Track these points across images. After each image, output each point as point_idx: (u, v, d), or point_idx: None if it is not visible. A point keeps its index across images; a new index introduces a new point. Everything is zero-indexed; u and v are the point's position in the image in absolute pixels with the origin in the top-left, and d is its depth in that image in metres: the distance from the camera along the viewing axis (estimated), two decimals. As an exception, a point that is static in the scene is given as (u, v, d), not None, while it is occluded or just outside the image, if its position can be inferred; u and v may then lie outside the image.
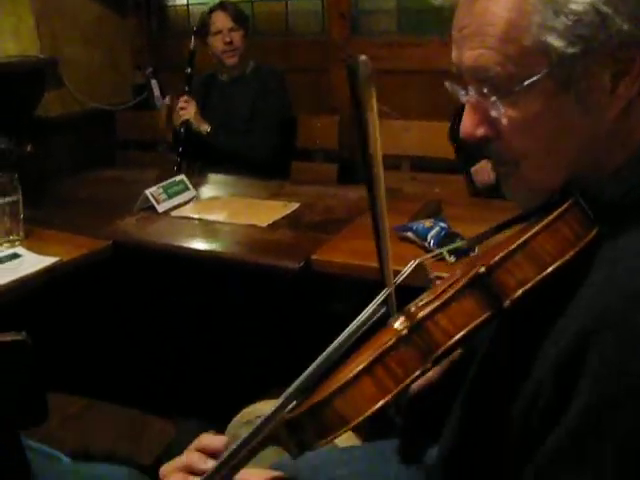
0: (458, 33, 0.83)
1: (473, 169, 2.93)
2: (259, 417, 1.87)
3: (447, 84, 0.90)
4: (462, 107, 0.88)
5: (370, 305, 0.92)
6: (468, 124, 0.87)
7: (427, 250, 1.93)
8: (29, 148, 2.40)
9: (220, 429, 1.82)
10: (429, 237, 1.96)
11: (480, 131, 0.86)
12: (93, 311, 2.36)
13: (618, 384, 0.69)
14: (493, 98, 0.81)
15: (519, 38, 0.77)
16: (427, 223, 2.01)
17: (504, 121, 0.82)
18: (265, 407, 1.91)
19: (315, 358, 0.90)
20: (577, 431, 0.72)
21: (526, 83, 0.78)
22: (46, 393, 1.46)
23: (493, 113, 0.82)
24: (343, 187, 2.94)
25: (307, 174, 3.63)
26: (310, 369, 0.87)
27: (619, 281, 0.72)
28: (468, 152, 2.94)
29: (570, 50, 0.75)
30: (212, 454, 0.93)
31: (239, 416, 1.95)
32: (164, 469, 0.94)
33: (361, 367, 0.77)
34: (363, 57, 0.70)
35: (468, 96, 0.86)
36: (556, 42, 0.75)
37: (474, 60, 0.81)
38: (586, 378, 0.70)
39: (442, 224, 2.00)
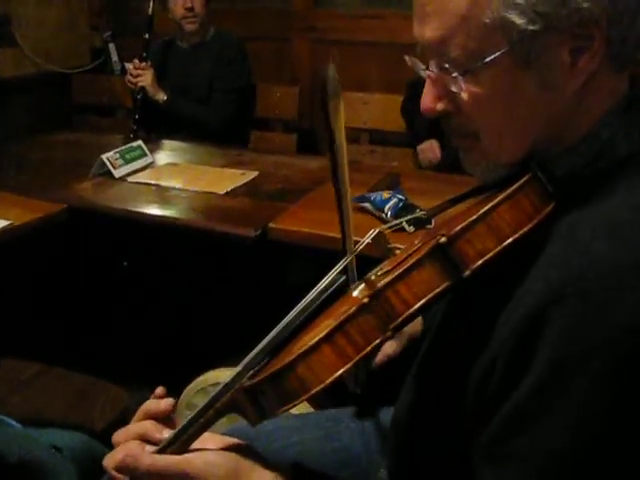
0: (420, 8, 0.82)
1: (419, 148, 2.95)
2: (213, 385, 1.88)
3: (407, 58, 0.90)
4: (415, 82, 0.88)
5: (330, 272, 0.92)
6: (428, 99, 0.87)
7: (384, 221, 1.94)
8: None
9: (174, 397, 1.81)
10: (386, 208, 1.97)
11: (440, 106, 0.86)
12: (46, 276, 2.33)
13: (573, 351, 0.70)
14: (454, 74, 0.81)
15: (480, 15, 0.77)
16: (385, 194, 2.02)
17: (464, 96, 0.82)
18: (219, 375, 1.91)
19: (271, 326, 0.90)
20: (531, 400, 0.73)
21: (487, 60, 0.78)
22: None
23: (453, 88, 0.82)
24: (302, 157, 2.94)
25: (266, 143, 3.62)
26: (270, 336, 0.88)
27: (574, 253, 0.74)
28: (415, 131, 2.97)
29: (531, 27, 0.75)
30: (163, 420, 0.93)
31: (193, 384, 1.96)
32: (117, 436, 0.93)
33: (322, 335, 0.77)
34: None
35: (428, 71, 0.86)
36: (517, 19, 0.75)
37: (436, 39, 0.81)
38: (543, 350, 0.71)
39: (400, 196, 2.01)
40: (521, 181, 0.79)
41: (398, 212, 1.94)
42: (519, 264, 0.78)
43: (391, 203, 1.97)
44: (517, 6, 0.75)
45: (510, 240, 0.77)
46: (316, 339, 0.77)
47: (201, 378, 1.96)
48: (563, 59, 0.78)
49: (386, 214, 1.95)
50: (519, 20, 0.75)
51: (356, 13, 3.70)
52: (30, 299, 2.28)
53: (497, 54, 0.78)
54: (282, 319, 0.90)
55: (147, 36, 3.25)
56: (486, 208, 0.78)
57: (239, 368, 0.86)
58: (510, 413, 0.75)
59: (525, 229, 0.77)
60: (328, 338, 0.77)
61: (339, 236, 1.87)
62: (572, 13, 0.74)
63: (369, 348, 0.78)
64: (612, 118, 0.82)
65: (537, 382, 0.72)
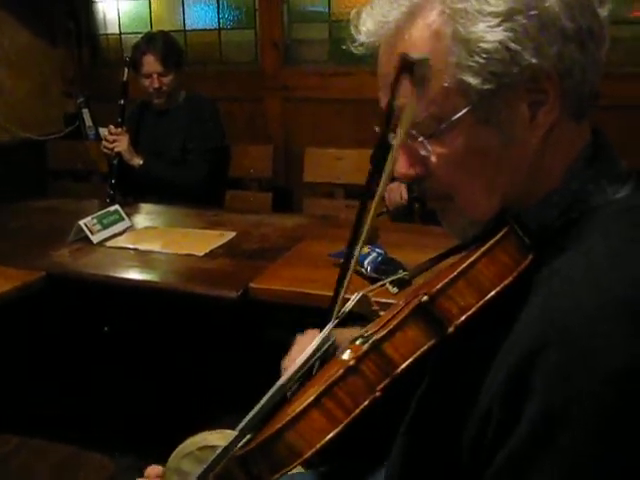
0: (382, 80, 0.87)
1: (387, 187, 2.97)
2: (200, 449, 1.86)
3: (377, 129, 0.94)
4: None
5: (317, 339, 0.93)
6: (401, 166, 0.90)
7: (364, 276, 1.95)
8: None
9: (159, 463, 1.79)
10: (366, 263, 1.98)
11: (412, 171, 0.89)
12: (26, 345, 2.30)
13: (558, 400, 0.70)
14: (420, 138, 0.85)
15: (438, 80, 0.81)
16: (364, 249, 2.03)
17: (433, 159, 0.85)
18: (207, 438, 1.88)
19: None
20: (522, 450, 0.73)
21: (449, 121, 0.82)
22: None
23: (422, 152, 0.86)
24: (278, 215, 2.96)
25: (241, 203, 3.64)
26: (260, 404, 0.88)
27: (556, 300, 0.75)
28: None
29: (486, 86, 0.79)
30: None
31: (179, 448, 1.92)
32: None
33: (310, 400, 0.78)
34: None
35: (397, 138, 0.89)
36: (472, 80, 0.79)
37: (399, 107, 0.84)
38: (533, 399, 0.72)
39: (378, 250, 2.02)
40: (498, 236, 0.81)
41: (378, 266, 1.96)
42: (503, 316, 0.79)
43: (370, 258, 1.98)
44: (470, 68, 0.79)
45: (491, 294, 0.79)
46: (304, 404, 0.78)
47: (187, 442, 1.92)
48: (523, 114, 0.81)
49: (366, 269, 1.96)
50: (474, 81, 0.79)
51: (325, 71, 3.77)
52: (9, 369, 2.25)
53: (459, 114, 0.81)
54: (266, 378, 0.91)
55: (122, 102, 3.28)
56: (465, 264, 0.79)
57: (231, 437, 0.86)
58: (503, 464, 0.75)
59: (505, 282, 0.79)
60: (316, 402, 0.78)
61: (319, 293, 1.89)
62: (523, 70, 0.78)
63: (358, 410, 0.78)
64: (579, 168, 0.85)
65: (526, 432, 0.72)
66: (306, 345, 1.16)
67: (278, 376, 1.18)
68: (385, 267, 1.96)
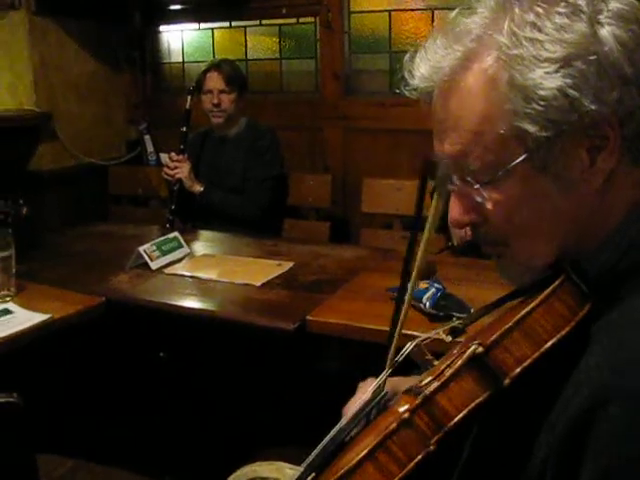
0: (437, 125, 0.86)
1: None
2: (252, 479, 1.84)
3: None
4: None
5: (371, 387, 0.93)
6: (455, 212, 0.89)
7: (423, 312, 1.92)
8: (25, 211, 2.36)
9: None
10: (425, 298, 1.95)
11: (467, 218, 0.88)
12: (85, 369, 2.33)
13: (619, 457, 0.68)
14: (476, 185, 0.83)
15: (494, 127, 0.79)
16: (422, 285, 2.00)
17: (488, 206, 0.84)
18: (257, 469, 1.87)
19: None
20: None
21: (506, 169, 0.80)
22: (35, 454, 1.43)
23: (477, 199, 0.84)
24: (337, 246, 2.95)
25: (299, 232, 3.65)
26: (316, 451, 0.87)
27: (617, 353, 0.72)
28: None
29: (544, 134, 0.77)
30: None
31: (232, 478, 1.92)
32: None
33: (364, 453, 0.77)
34: None
35: (453, 185, 0.88)
36: (530, 127, 0.77)
37: (454, 154, 0.84)
38: (591, 453, 0.69)
39: (437, 285, 1.99)
40: (555, 284, 0.79)
41: (437, 302, 1.93)
42: (562, 366, 0.77)
43: (429, 293, 1.95)
44: (528, 115, 0.77)
45: (548, 345, 0.77)
46: (359, 457, 0.77)
47: (238, 472, 1.91)
48: (582, 160, 0.79)
49: (424, 305, 1.93)
50: (532, 128, 0.77)
51: (385, 101, 3.77)
52: (68, 392, 2.28)
53: (515, 162, 0.80)
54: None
55: (185, 129, 3.34)
56: (521, 314, 0.78)
57: (284, 471, 0.86)
58: None
59: (562, 333, 0.77)
60: (370, 456, 0.77)
61: (376, 328, 1.87)
62: (582, 117, 0.76)
63: (412, 464, 0.77)
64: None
65: None
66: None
67: (333, 413, 1.17)
68: (444, 303, 1.93)
